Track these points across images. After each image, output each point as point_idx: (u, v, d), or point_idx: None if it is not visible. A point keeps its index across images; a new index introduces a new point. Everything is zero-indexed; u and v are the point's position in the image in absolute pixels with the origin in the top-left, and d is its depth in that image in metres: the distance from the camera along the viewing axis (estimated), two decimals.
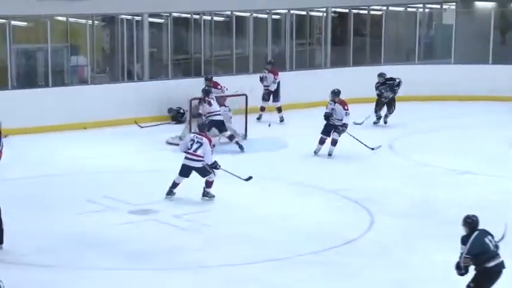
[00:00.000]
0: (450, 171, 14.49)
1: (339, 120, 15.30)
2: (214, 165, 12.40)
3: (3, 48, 17.52)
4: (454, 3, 23.33)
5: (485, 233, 8.39)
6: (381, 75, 18.25)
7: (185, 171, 12.46)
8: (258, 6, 20.46)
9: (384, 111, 18.30)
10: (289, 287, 9.49)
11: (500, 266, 8.35)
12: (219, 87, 17.14)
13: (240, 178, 12.82)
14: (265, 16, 20.86)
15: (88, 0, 17.85)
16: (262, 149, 16.09)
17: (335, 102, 15.38)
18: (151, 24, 19.34)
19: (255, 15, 20.62)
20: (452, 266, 8.41)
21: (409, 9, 23.01)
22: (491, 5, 22.83)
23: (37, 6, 17.28)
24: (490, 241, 8.35)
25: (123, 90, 18.51)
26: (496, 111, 19.65)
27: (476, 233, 8.33)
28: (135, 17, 19.20)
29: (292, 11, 21.19)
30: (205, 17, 20.09)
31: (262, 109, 18.72)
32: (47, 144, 16.19)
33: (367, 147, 15.61)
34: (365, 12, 22.38)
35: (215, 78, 17.54)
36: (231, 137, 15.84)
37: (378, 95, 18.25)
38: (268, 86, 18.62)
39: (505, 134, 17.20)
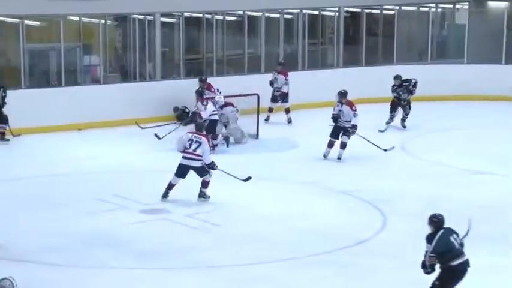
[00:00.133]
0: (463, 171, 14.43)
1: (347, 121, 15.00)
2: (212, 166, 12.35)
3: (16, 47, 17.56)
4: (467, 3, 23.21)
5: (451, 231, 8.44)
6: (397, 77, 17.90)
7: (182, 171, 12.38)
8: (270, 6, 20.44)
9: (398, 112, 18.00)
10: (301, 287, 9.46)
11: (465, 265, 8.40)
12: (212, 89, 16.99)
13: (238, 178, 12.71)
14: (277, 16, 20.84)
15: (101, 0, 17.89)
16: (274, 149, 16.09)
17: (342, 104, 15.07)
18: (163, 23, 19.33)
19: (267, 14, 20.59)
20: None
21: (421, 9, 22.93)
22: (504, 4, 22.72)
23: (50, 6, 17.33)
24: (455, 239, 8.41)
25: (135, 90, 18.53)
26: (509, 111, 19.55)
27: (441, 231, 8.38)
28: (147, 16, 19.22)
29: (304, 11, 21.14)
30: (217, 17, 20.08)
31: (271, 110, 18.60)
32: (59, 143, 16.19)
33: (380, 148, 15.45)
34: (377, 11, 22.30)
35: (226, 78, 17.54)
36: (214, 137, 15.76)
37: (395, 97, 17.91)
38: (279, 88, 18.51)
39: None
